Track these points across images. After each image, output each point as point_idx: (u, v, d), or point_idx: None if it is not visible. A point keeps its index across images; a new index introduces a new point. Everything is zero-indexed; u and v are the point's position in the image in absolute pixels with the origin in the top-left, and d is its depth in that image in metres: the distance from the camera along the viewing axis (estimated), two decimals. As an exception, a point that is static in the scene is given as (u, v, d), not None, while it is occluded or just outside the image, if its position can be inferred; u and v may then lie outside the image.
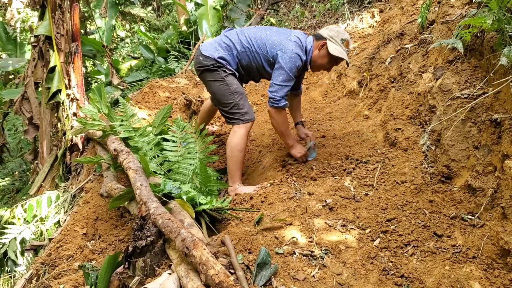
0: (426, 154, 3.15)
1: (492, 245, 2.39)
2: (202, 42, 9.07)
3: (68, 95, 5.32)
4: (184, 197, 2.66)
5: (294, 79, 3.42)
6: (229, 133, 3.84)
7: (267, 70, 3.53)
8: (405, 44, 4.33)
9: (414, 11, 5.08)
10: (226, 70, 3.49)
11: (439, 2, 4.21)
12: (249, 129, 3.63)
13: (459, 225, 2.62)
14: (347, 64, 3.57)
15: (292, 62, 3.33)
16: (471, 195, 2.76)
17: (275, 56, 3.39)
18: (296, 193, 3.11)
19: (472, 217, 2.64)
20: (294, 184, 3.34)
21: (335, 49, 3.37)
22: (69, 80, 5.35)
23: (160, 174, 3.29)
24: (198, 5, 10.23)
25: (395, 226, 2.61)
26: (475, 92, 2.97)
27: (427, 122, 3.35)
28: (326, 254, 2.40)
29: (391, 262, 2.37)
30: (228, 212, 2.88)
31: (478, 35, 3.16)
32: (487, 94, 2.81)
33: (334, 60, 3.49)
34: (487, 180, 2.68)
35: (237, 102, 3.51)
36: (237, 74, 3.58)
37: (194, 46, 9.23)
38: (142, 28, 13.89)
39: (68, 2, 5.39)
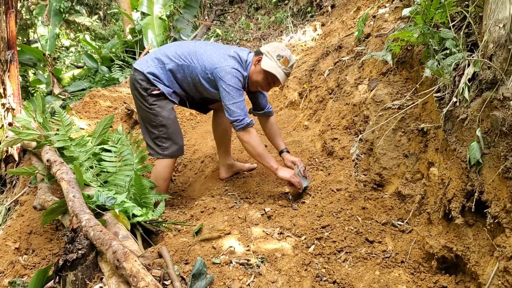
0: (356, 163, 3.25)
1: (419, 249, 2.49)
2: (147, 52, 9.01)
3: (3, 104, 5.11)
4: (117, 209, 2.61)
5: (242, 90, 3.16)
6: None
7: (205, 86, 3.24)
8: (343, 57, 4.47)
9: (353, 25, 5.26)
10: (154, 92, 3.22)
11: (374, 17, 4.38)
12: (171, 163, 3.44)
13: (390, 231, 2.71)
14: (280, 83, 3.24)
15: (233, 77, 3.08)
16: (401, 202, 2.87)
17: (213, 74, 3.14)
18: (236, 203, 3.13)
19: (402, 223, 2.74)
20: (234, 194, 3.37)
21: (267, 65, 3.12)
22: (5, 89, 5.15)
23: (96, 185, 3.22)
24: (144, 14, 10.16)
25: (329, 233, 2.67)
26: (405, 103, 3.10)
27: (361, 132, 3.46)
28: (262, 262, 2.42)
29: (325, 268, 2.42)
30: (164, 224, 2.85)
31: (408, 48, 3.32)
32: (415, 104, 2.94)
33: (270, 78, 3.18)
34: (415, 187, 2.80)
35: (160, 135, 3.31)
36: (170, 91, 3.28)
37: (139, 56, 9.13)
38: (87, 37, 13.58)
39: (3, 9, 5.20)
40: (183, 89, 3.34)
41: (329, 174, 3.36)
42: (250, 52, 3.33)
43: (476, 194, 2.12)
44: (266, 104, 3.56)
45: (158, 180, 3.41)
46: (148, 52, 9.17)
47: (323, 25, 6.86)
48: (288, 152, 3.51)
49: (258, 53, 3.23)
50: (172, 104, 3.35)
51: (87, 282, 2.23)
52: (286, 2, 9.01)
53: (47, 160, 3.28)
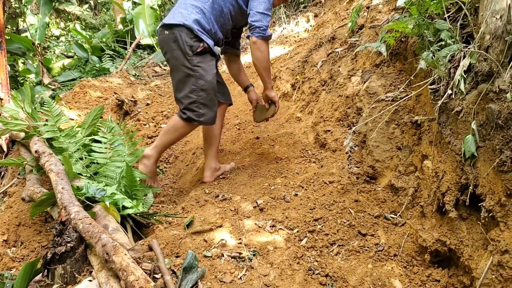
0: (349, 155, 3.23)
1: (412, 242, 2.48)
2: (138, 42, 8.92)
3: (-10, 94, 5.04)
4: (107, 202, 2.57)
5: (271, 9, 3.15)
6: None
7: (244, 9, 3.18)
8: (336, 48, 4.44)
9: (346, 16, 5.22)
10: (199, 49, 3.02)
11: (368, 8, 4.34)
12: (194, 128, 3.35)
13: (382, 224, 2.70)
14: None
15: None
16: (393, 195, 2.86)
17: None
18: (227, 195, 3.09)
19: (394, 216, 2.73)
20: (226, 186, 3.33)
21: None
22: (-8, 79, 5.07)
23: (86, 176, 3.17)
24: (135, 4, 10.07)
25: (322, 226, 2.64)
26: (398, 95, 3.08)
27: (354, 124, 3.44)
28: (254, 255, 2.39)
29: (317, 261, 2.40)
30: (155, 216, 2.81)
31: (402, 39, 3.29)
32: (409, 96, 2.92)
33: None
34: (408, 180, 2.78)
35: (198, 100, 3.10)
36: (212, 43, 3.12)
37: (130, 46, 9.04)
38: (78, 27, 13.42)
39: (-9, -4, 5.11)
40: (221, 29, 3.24)
41: (321, 166, 3.34)
42: None
43: (470, 187, 2.10)
44: (239, 45, 3.70)
45: (169, 134, 3.29)
46: (139, 41, 9.10)
47: (316, 16, 6.82)
48: (253, 86, 3.69)
49: None
50: (215, 67, 3.24)
51: (76, 275, 2.20)
52: (279, -8, 8.95)
53: (36, 151, 3.23)
